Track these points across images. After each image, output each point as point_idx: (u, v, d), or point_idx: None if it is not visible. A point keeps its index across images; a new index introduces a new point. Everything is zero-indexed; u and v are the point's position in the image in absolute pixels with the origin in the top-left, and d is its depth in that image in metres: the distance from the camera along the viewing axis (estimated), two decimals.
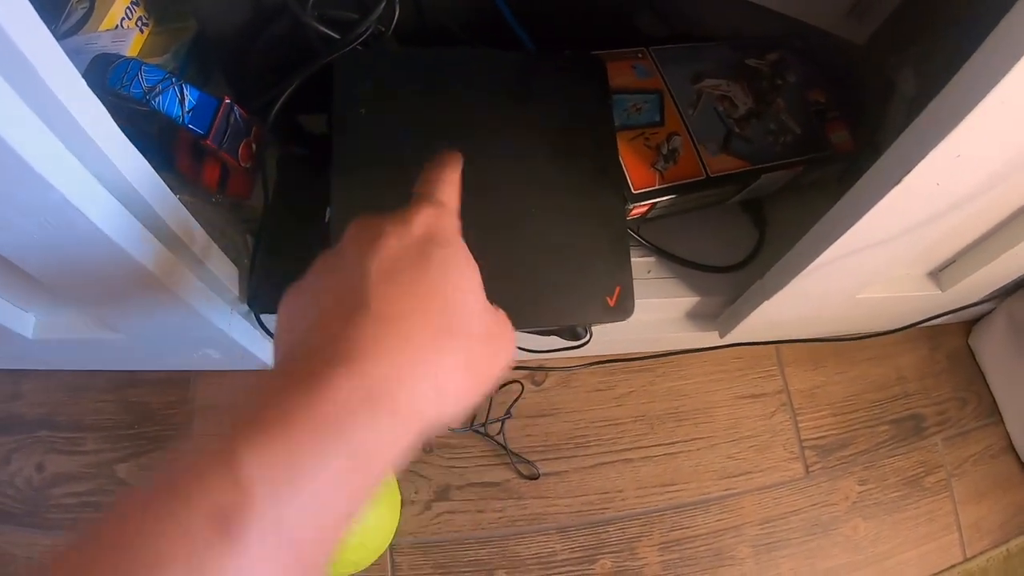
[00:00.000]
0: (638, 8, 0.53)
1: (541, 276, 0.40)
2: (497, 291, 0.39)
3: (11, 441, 0.61)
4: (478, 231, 0.40)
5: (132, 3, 0.61)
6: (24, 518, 0.58)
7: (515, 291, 0.39)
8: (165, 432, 0.58)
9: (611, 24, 0.53)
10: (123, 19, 0.60)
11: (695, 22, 0.57)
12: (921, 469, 0.62)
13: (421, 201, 0.25)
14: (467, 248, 0.26)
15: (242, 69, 0.55)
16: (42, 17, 0.26)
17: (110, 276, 0.39)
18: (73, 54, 0.58)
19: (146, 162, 0.35)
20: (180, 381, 0.59)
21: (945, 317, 0.59)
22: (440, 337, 0.22)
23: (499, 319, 0.26)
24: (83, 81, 0.29)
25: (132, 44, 0.57)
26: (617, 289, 0.40)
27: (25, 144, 0.26)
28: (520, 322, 0.41)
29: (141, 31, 0.60)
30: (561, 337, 0.45)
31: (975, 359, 0.69)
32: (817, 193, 0.57)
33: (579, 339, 0.45)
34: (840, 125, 0.55)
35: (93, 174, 0.32)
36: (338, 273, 0.23)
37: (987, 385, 0.68)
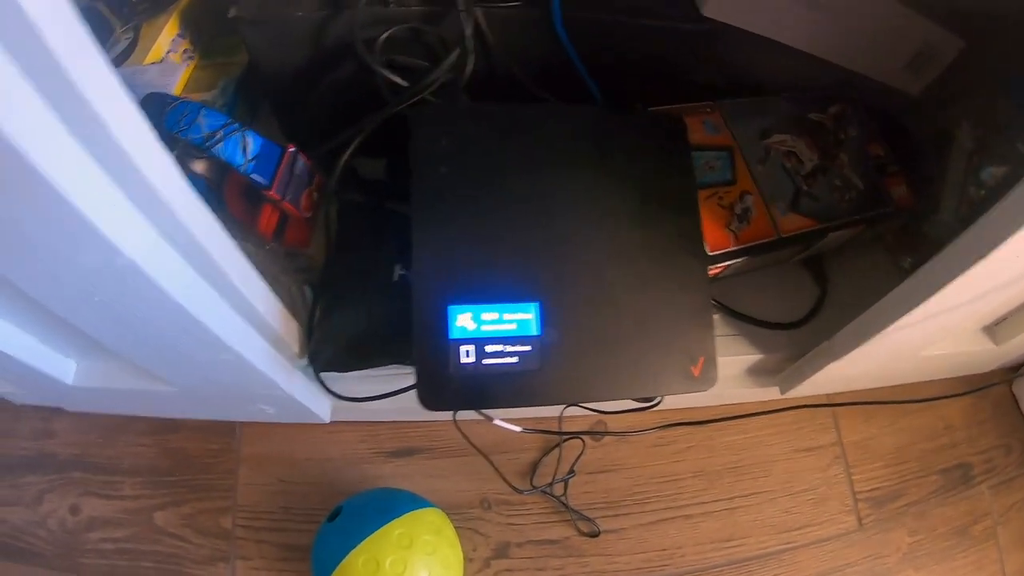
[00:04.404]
0: (700, 61, 0.52)
1: (624, 345, 0.39)
2: (579, 361, 0.39)
3: (43, 481, 0.59)
4: (559, 297, 0.40)
5: (178, 34, 0.59)
6: (55, 560, 0.56)
7: (598, 362, 0.38)
8: (207, 481, 0.56)
9: (672, 76, 0.52)
10: (169, 51, 0.58)
11: (751, 73, 0.56)
12: (969, 518, 0.62)
13: None
14: None
15: (298, 111, 0.53)
16: None
17: (170, 337, 0.37)
18: None
19: (214, 218, 0.33)
20: (225, 429, 0.57)
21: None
22: None
23: None
24: (155, 137, 0.26)
25: (180, 78, 0.56)
26: (701, 360, 0.39)
27: (93, 206, 0.23)
28: (602, 393, 0.40)
29: (187, 64, 0.59)
30: (632, 399, 0.44)
31: (1018, 405, 0.69)
32: (876, 246, 0.57)
33: (650, 401, 0.44)
34: (899, 179, 0.55)
35: (164, 236, 0.30)
36: None
37: None
